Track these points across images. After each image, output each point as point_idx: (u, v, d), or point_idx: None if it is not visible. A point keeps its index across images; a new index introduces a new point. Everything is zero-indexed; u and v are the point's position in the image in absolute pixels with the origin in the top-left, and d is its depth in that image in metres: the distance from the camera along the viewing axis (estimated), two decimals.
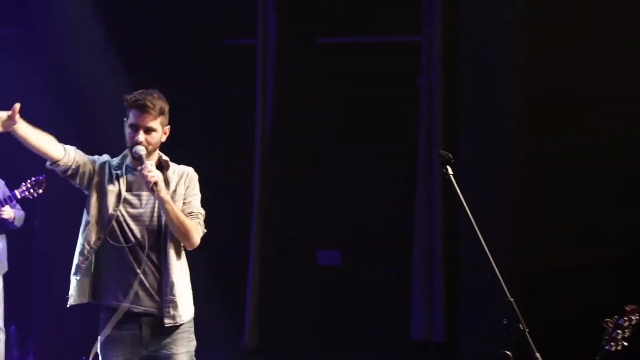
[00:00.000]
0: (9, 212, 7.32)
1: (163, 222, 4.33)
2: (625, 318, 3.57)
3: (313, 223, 9.22)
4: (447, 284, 8.42)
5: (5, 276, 7.79)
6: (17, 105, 4.04)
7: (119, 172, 4.37)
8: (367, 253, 9.32)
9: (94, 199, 4.31)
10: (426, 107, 8.50)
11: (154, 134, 4.33)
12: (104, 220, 4.29)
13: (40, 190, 7.31)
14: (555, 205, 8.35)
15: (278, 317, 8.98)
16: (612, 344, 3.57)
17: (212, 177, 8.83)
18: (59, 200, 7.79)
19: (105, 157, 4.47)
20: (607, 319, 3.59)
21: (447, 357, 8.35)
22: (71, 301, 4.37)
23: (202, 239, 4.54)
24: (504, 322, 3.67)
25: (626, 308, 3.60)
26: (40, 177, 7.34)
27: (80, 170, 4.30)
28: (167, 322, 4.31)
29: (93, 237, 4.28)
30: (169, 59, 9.10)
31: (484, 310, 7.90)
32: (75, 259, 4.34)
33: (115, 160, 4.44)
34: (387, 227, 9.16)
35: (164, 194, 4.25)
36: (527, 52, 8.21)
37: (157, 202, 4.31)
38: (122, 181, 4.36)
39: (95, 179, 4.33)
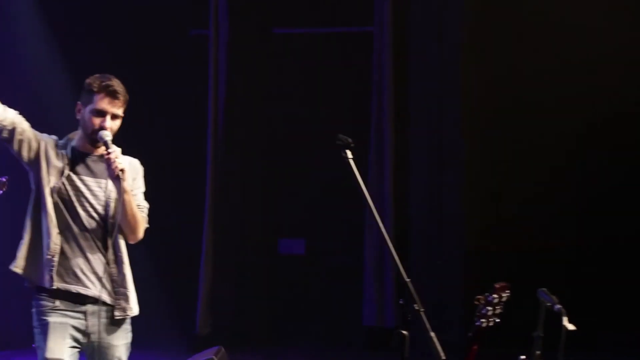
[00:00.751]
0: None
1: (111, 212, 4.18)
2: (495, 295, 3.58)
3: (271, 213, 9.33)
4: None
5: None
6: None
7: (64, 151, 4.18)
8: (326, 242, 9.44)
9: (44, 178, 4.13)
10: (376, 99, 8.64)
11: (117, 121, 4.19)
12: (53, 201, 4.12)
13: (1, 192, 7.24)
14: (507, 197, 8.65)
15: (231, 303, 9.07)
16: (482, 320, 3.59)
17: (165, 167, 9.08)
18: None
19: (51, 136, 4.26)
20: (477, 296, 3.63)
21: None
22: (19, 271, 4.16)
23: (149, 230, 4.40)
24: (400, 302, 3.73)
25: (496, 285, 3.61)
26: (3, 179, 7.27)
27: (18, 136, 4.08)
28: (118, 314, 4.21)
29: (48, 218, 4.12)
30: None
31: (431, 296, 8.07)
32: (27, 241, 4.17)
33: (61, 142, 4.26)
34: (345, 217, 9.28)
35: (127, 183, 4.12)
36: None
37: (107, 190, 4.18)
38: (70, 163, 4.17)
39: (41, 155, 4.13)
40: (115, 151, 4.11)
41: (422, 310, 3.68)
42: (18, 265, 4.16)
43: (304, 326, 9.24)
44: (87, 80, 4.21)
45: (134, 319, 8.13)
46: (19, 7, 8.76)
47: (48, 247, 4.12)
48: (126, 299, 4.24)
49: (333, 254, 9.48)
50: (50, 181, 4.14)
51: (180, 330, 8.92)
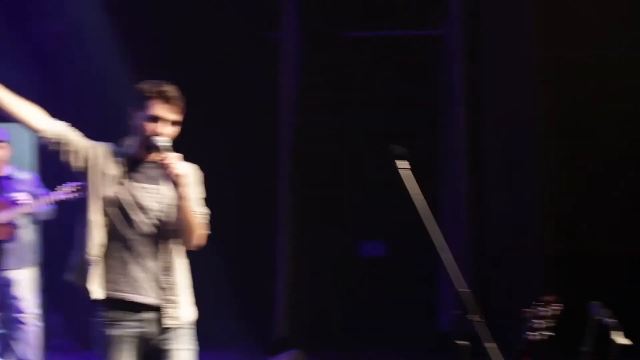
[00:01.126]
0: (27, 204, 7.41)
1: (169, 218, 4.17)
2: (545, 308, 3.53)
3: (351, 216, 9.34)
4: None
5: (45, 266, 7.90)
6: None
7: (120, 158, 4.18)
8: (409, 245, 9.40)
9: (94, 186, 4.14)
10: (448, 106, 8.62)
11: (175, 127, 4.18)
12: (107, 208, 4.13)
13: (77, 195, 7.25)
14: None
15: (310, 306, 9.14)
16: (531, 333, 3.52)
17: (240, 171, 9.18)
18: None
19: (101, 144, 4.25)
20: (525, 309, 3.57)
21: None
22: (96, 295, 4.14)
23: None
24: (459, 312, 3.72)
25: (546, 298, 3.56)
26: (76, 184, 7.31)
27: (64, 147, 4.11)
28: (169, 322, 4.18)
29: (98, 226, 4.12)
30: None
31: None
32: (80, 250, 4.16)
33: (116, 149, 4.25)
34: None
35: (184, 189, 4.08)
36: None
37: (163, 196, 4.16)
38: (125, 170, 4.17)
39: (92, 164, 4.14)
40: (171, 156, 4.08)
41: (481, 320, 3.64)
42: (72, 276, 4.19)
43: (382, 329, 9.21)
44: (142, 86, 4.19)
45: (212, 321, 8.27)
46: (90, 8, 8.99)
47: (101, 256, 4.13)
48: (176, 306, 4.20)
49: (413, 257, 9.43)
50: (103, 190, 4.13)
51: (259, 333, 8.98)
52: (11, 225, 7.37)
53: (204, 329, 8.28)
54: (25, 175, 7.48)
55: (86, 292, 4.15)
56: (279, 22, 9.03)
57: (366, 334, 9.25)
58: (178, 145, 4.25)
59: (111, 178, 4.15)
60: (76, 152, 4.15)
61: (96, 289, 4.12)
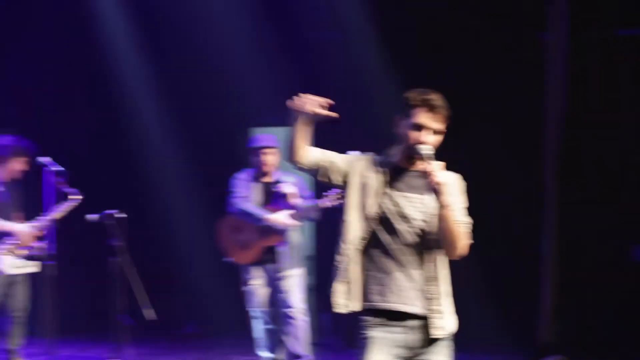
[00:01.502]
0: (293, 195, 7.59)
1: (432, 228, 4.16)
2: None
3: (624, 218, 9.04)
4: None
5: (316, 267, 8.17)
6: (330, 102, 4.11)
7: (382, 168, 4.21)
8: None
9: (353, 197, 4.18)
10: None
11: (438, 136, 4.16)
12: (368, 218, 4.16)
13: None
14: None
15: (578, 311, 8.92)
16: None
17: (501, 174, 9.11)
18: None
19: (362, 155, 4.30)
20: None
21: None
22: (343, 309, 4.17)
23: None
24: None
25: None
26: (334, 192, 7.35)
27: (321, 173, 4.22)
28: (435, 332, 4.15)
29: (357, 237, 4.16)
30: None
31: None
32: (339, 262, 4.18)
33: (379, 158, 4.27)
34: None
35: (445, 198, 4.05)
36: None
37: (427, 205, 4.15)
38: (388, 179, 4.20)
39: (351, 177, 4.19)
40: (434, 165, 4.06)
41: None
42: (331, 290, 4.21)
43: None
44: (407, 94, 4.18)
45: (475, 325, 8.25)
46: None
47: (366, 268, 4.15)
48: (442, 316, 4.17)
49: None
50: (363, 201, 4.16)
51: (524, 339, 8.83)
52: (284, 230, 7.70)
53: (466, 334, 8.33)
54: (292, 179, 7.77)
55: (337, 305, 4.19)
56: (547, 22, 8.83)
57: (636, 342, 8.84)
58: (452, 150, 4.28)
59: (373, 189, 4.17)
60: (333, 173, 4.23)
61: (347, 302, 4.16)
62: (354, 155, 4.30)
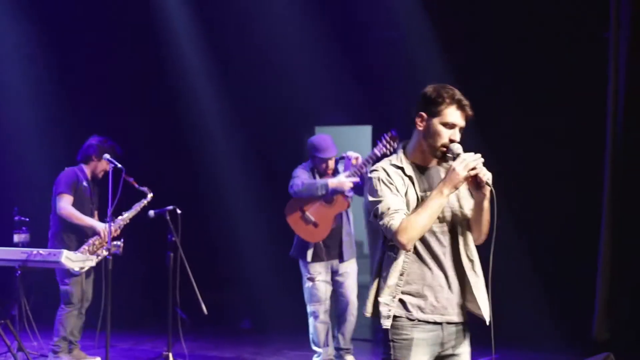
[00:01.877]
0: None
1: (457, 221, 4.17)
2: None
3: None
4: None
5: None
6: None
7: (409, 174, 4.16)
8: None
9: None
10: None
11: (461, 132, 4.16)
12: None
13: (394, 144, 7.24)
14: None
15: (631, 308, 8.85)
16: None
17: (561, 172, 9.07)
18: None
19: (383, 164, 4.22)
20: None
21: None
22: (389, 323, 4.14)
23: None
24: None
25: None
26: (393, 132, 7.40)
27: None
28: (484, 316, 4.19)
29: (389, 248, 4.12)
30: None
31: None
32: (388, 268, 4.13)
33: (394, 161, 4.21)
34: None
35: (489, 192, 4.05)
36: None
37: (451, 201, 4.14)
38: (415, 183, 4.16)
39: (401, 191, 4.12)
40: (480, 163, 4.01)
41: None
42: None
43: None
44: (433, 91, 4.13)
45: (522, 320, 8.21)
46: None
47: (404, 282, 4.11)
48: (478, 307, 4.19)
49: None
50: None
51: (577, 335, 8.84)
52: (348, 195, 7.79)
53: (520, 329, 8.31)
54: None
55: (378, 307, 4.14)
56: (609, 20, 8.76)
57: None
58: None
59: (413, 198, 4.12)
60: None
61: (391, 304, 4.11)
62: (382, 173, 4.16)
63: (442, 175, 4.15)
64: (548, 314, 8.95)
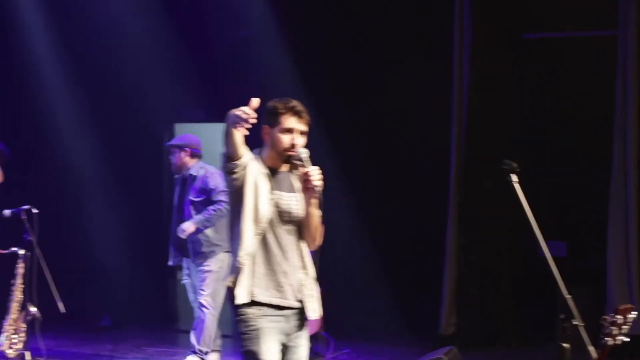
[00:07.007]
0: None
1: (302, 223, 4.54)
2: (619, 316, 3.80)
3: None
4: None
5: None
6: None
7: (265, 171, 4.49)
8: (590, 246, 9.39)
9: (248, 197, 4.43)
10: (620, 103, 8.56)
11: (304, 137, 4.53)
12: (260, 218, 4.43)
13: None
14: None
15: (476, 305, 9.24)
16: (608, 339, 3.80)
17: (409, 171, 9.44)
18: None
19: (253, 155, 4.53)
20: (603, 316, 3.80)
21: None
22: (239, 300, 4.45)
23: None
24: (561, 317, 3.89)
25: (619, 307, 3.81)
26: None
27: (240, 173, 4.47)
28: (311, 315, 4.56)
29: (252, 235, 4.44)
30: None
31: None
32: (237, 259, 4.45)
33: (260, 160, 4.55)
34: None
35: (319, 197, 4.46)
36: None
37: (299, 203, 4.52)
38: (269, 180, 4.50)
39: (249, 177, 4.45)
40: (315, 170, 4.42)
41: (581, 325, 3.85)
42: (230, 281, 4.49)
43: (549, 328, 9.21)
44: (271, 104, 4.53)
45: (379, 317, 8.43)
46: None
47: (257, 266, 4.45)
48: (313, 301, 4.57)
49: (591, 258, 9.37)
50: (257, 202, 4.44)
51: (425, 331, 9.16)
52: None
53: (370, 323, 8.57)
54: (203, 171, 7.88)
55: (233, 296, 4.46)
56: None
57: (534, 334, 9.24)
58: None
59: (264, 190, 4.47)
60: (244, 175, 4.47)
61: (244, 294, 4.43)
62: (250, 154, 4.52)
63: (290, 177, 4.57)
64: (397, 308, 9.29)
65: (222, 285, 7.46)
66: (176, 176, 7.96)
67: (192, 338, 7.72)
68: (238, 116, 4.18)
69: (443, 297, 9.15)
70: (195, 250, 7.73)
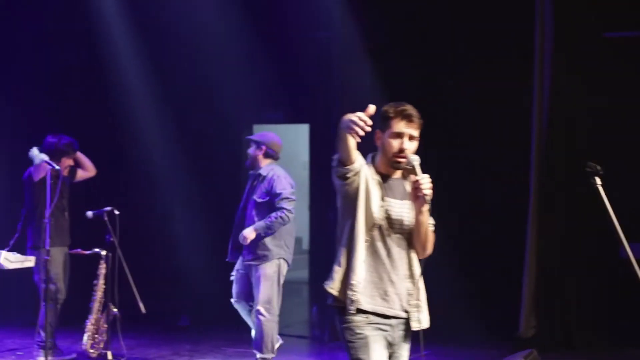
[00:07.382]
0: None
1: (408, 230, 4.45)
2: None
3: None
4: None
5: None
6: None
7: (377, 178, 4.45)
8: None
9: (360, 204, 4.39)
10: None
11: (415, 142, 4.46)
12: (369, 225, 4.41)
13: None
14: None
15: (557, 308, 9.15)
16: None
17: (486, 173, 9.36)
18: None
19: (365, 161, 4.50)
20: None
21: None
22: (335, 293, 4.41)
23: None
24: None
25: None
26: None
27: (353, 180, 4.39)
28: (415, 325, 4.48)
29: (360, 241, 4.39)
30: None
31: None
32: (348, 263, 4.42)
33: (371, 166, 4.51)
34: None
35: (428, 206, 4.37)
36: None
37: (410, 211, 4.43)
38: (380, 187, 4.45)
39: (361, 183, 4.40)
40: (425, 178, 4.31)
41: None
42: (334, 287, 4.44)
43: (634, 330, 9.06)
44: (383, 108, 4.46)
45: (450, 317, 8.38)
46: None
47: (363, 275, 4.38)
48: (421, 310, 4.50)
49: None
50: (368, 208, 4.39)
51: (504, 333, 9.08)
52: None
53: (448, 324, 8.53)
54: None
55: (342, 302, 4.41)
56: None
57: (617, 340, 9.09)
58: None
59: (376, 196, 4.42)
60: (356, 181, 4.41)
61: (350, 301, 4.38)
62: (362, 160, 4.45)
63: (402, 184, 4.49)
64: (476, 311, 9.20)
65: (277, 290, 7.64)
66: (250, 172, 7.95)
67: (255, 349, 7.65)
68: (352, 121, 4.07)
69: (523, 299, 9.07)
70: (249, 250, 7.68)
